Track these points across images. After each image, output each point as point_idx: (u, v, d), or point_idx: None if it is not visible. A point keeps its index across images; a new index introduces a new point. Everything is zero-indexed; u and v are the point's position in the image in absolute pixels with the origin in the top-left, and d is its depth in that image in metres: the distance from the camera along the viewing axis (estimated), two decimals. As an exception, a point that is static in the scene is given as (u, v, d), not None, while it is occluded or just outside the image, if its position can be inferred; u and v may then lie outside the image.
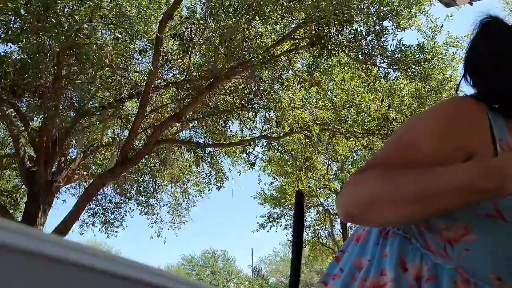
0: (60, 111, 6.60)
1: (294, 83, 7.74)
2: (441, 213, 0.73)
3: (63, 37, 4.77)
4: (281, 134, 8.17)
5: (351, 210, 0.74)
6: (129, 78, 6.94)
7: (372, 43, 7.09)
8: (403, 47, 7.18)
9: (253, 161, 8.74)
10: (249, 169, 8.86)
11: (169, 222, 10.49)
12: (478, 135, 0.77)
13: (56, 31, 4.60)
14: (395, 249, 0.79)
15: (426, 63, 7.33)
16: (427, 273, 0.76)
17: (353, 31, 6.86)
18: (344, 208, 0.76)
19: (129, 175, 9.39)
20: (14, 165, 8.91)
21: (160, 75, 7.30)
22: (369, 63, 7.34)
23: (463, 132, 0.77)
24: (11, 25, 4.92)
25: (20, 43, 4.76)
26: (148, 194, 9.97)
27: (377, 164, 0.77)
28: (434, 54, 7.54)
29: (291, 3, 6.42)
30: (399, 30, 7.18)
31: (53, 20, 4.61)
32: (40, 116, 6.99)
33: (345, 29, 6.69)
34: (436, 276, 0.76)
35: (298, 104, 7.70)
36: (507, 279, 0.76)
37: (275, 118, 8.01)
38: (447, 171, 0.68)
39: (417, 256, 0.78)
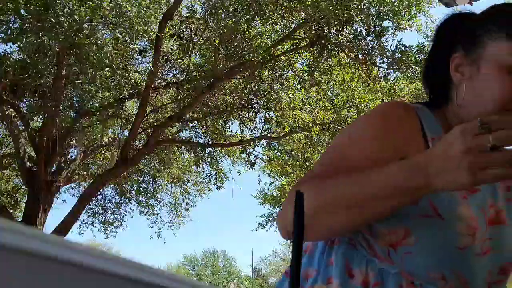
0: (60, 111, 6.60)
1: (294, 83, 7.74)
2: (381, 215, 0.71)
3: (63, 37, 4.77)
4: (281, 134, 8.17)
5: (291, 229, 0.72)
6: (129, 78, 6.94)
7: (372, 43, 7.09)
8: (403, 48, 7.18)
9: (253, 161, 8.74)
10: (249, 169, 8.86)
11: (169, 222, 10.49)
12: (410, 137, 0.78)
13: (56, 31, 4.60)
14: (340, 257, 0.79)
15: (426, 63, 7.32)
16: (373, 279, 0.76)
17: (353, 31, 6.86)
18: (284, 228, 0.75)
19: (129, 175, 9.39)
20: (14, 165, 8.91)
21: (160, 75, 7.31)
22: (369, 63, 7.34)
23: (397, 134, 0.76)
24: (11, 25, 4.92)
25: (19, 43, 4.77)
26: (148, 194, 9.96)
27: (313, 178, 0.75)
28: (434, 54, 7.53)
29: (291, 3, 6.42)
30: (399, 31, 7.19)
31: (52, 20, 4.61)
32: (40, 116, 6.99)
33: (345, 29, 6.69)
34: (382, 282, 0.76)
35: (298, 105, 7.70)
36: (450, 278, 0.77)
37: (275, 118, 8.01)
38: (376, 174, 0.67)
39: (363, 263, 0.78)
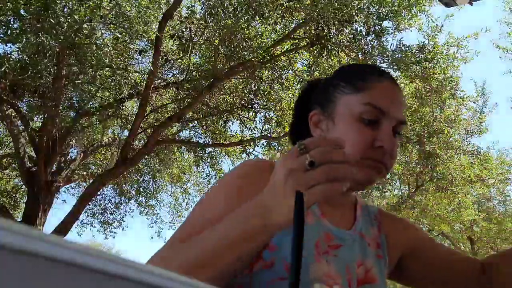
0: (60, 111, 6.60)
1: (294, 83, 7.74)
2: (242, 263, 0.66)
3: (63, 37, 4.77)
4: (281, 134, 8.17)
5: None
6: (129, 78, 6.94)
7: (372, 43, 7.09)
8: (403, 47, 7.18)
9: (253, 161, 8.72)
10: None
11: (169, 222, 10.50)
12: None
13: (55, 31, 4.60)
14: None
15: (427, 63, 7.33)
16: None
17: (353, 31, 6.86)
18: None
19: (129, 175, 9.39)
20: (14, 165, 8.91)
21: (160, 75, 7.30)
22: (369, 63, 7.34)
23: (251, 191, 0.75)
24: (11, 25, 4.92)
25: (19, 44, 4.76)
26: (148, 194, 9.96)
27: (173, 242, 0.73)
28: (435, 54, 7.54)
29: (290, 2, 6.42)
30: (399, 31, 7.18)
31: (52, 20, 4.60)
32: (40, 116, 6.99)
33: (345, 29, 6.69)
34: None
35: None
36: None
37: (275, 118, 8.01)
38: (220, 224, 0.65)
39: None
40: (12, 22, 5.03)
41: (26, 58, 5.09)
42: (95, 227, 9.88)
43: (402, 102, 0.85)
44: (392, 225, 0.95)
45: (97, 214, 9.85)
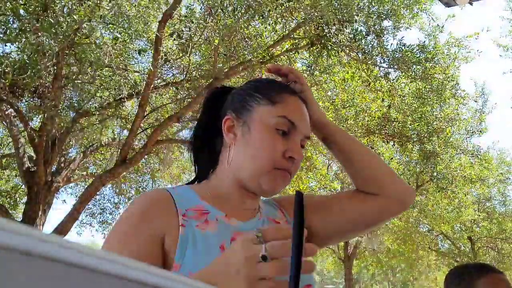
0: (59, 111, 6.60)
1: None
2: None
3: (62, 37, 4.77)
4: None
5: None
6: (129, 78, 6.94)
7: (372, 42, 7.09)
8: (403, 47, 7.18)
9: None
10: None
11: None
12: (163, 217, 0.81)
13: (54, 30, 4.59)
14: None
15: (427, 62, 7.33)
16: None
17: (353, 31, 6.86)
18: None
19: (128, 175, 9.39)
20: (14, 165, 8.91)
21: (159, 75, 7.30)
22: (369, 62, 7.34)
23: (149, 220, 0.80)
24: (10, 24, 4.91)
25: (18, 43, 4.76)
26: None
27: None
28: (435, 53, 7.54)
29: (290, 2, 6.42)
30: (399, 31, 7.18)
31: (51, 20, 4.60)
32: (40, 116, 6.99)
33: (345, 29, 6.69)
34: None
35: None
36: None
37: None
38: None
39: None
40: (11, 22, 5.03)
41: (26, 58, 5.09)
42: (94, 226, 9.89)
43: (308, 119, 0.93)
44: (287, 203, 1.01)
45: (96, 214, 9.86)
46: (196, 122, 1.01)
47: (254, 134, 0.87)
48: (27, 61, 5.11)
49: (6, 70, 5.08)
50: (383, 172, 0.99)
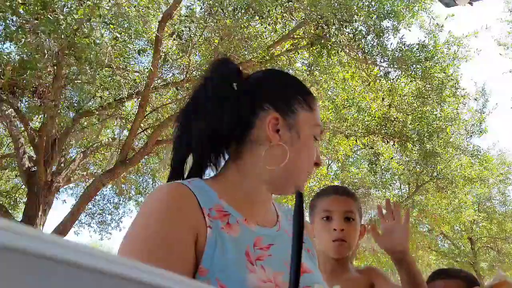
0: (59, 111, 6.60)
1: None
2: None
3: (62, 37, 4.77)
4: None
5: None
6: (129, 78, 6.94)
7: (372, 42, 7.09)
8: (403, 46, 7.18)
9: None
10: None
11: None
12: (194, 214, 0.75)
13: (52, 28, 4.58)
14: None
15: (427, 61, 7.33)
16: None
17: (353, 30, 6.86)
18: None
19: (128, 176, 9.38)
20: (14, 165, 8.91)
21: (159, 75, 7.30)
22: (369, 62, 7.34)
23: (184, 215, 0.74)
24: (8, 22, 4.91)
25: (15, 41, 4.76)
26: (148, 195, 9.95)
27: None
28: (435, 52, 7.55)
29: (290, 2, 6.42)
30: (398, 32, 7.18)
31: (49, 17, 4.59)
32: (40, 116, 6.99)
33: (345, 29, 6.69)
34: None
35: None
36: None
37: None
38: None
39: None
40: (10, 20, 5.02)
41: (26, 58, 5.09)
42: (92, 227, 9.89)
43: None
44: (308, 231, 0.99)
45: (96, 215, 9.86)
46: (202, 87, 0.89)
47: (303, 141, 0.86)
48: (25, 60, 5.10)
49: (5, 68, 5.08)
50: None
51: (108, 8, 5.20)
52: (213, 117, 0.84)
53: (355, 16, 6.54)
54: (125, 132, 7.94)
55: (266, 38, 7.34)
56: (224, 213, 0.79)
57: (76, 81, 6.56)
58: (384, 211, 1.30)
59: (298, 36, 7.41)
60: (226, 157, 0.90)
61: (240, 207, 0.83)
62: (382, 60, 7.44)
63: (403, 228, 1.27)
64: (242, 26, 6.57)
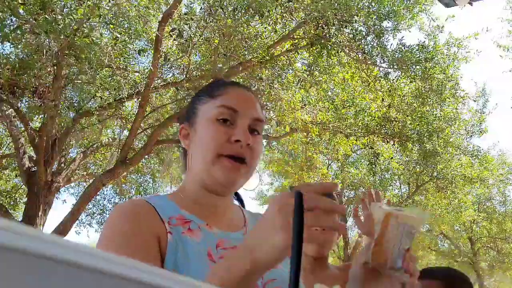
0: (60, 111, 6.60)
1: (294, 83, 7.74)
2: None
3: (62, 37, 4.76)
4: (281, 134, 8.17)
5: None
6: (129, 78, 6.94)
7: (372, 42, 7.09)
8: (403, 47, 7.18)
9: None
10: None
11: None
12: (153, 222, 0.80)
13: (50, 28, 4.58)
14: None
15: (427, 62, 7.33)
16: None
17: (353, 31, 6.86)
18: None
19: (128, 176, 9.38)
20: (13, 165, 8.91)
21: (159, 75, 7.30)
22: (369, 62, 7.34)
23: (143, 222, 0.78)
24: (7, 22, 4.90)
25: (14, 40, 4.75)
26: (148, 195, 9.96)
27: None
28: (435, 53, 7.55)
29: (290, 2, 6.41)
30: (399, 32, 7.18)
31: (47, 17, 4.59)
32: (40, 116, 6.99)
33: (345, 29, 6.69)
34: None
35: (298, 104, 7.70)
36: None
37: (275, 118, 8.01)
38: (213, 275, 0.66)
39: None
40: (10, 21, 5.02)
41: (25, 58, 5.09)
42: (92, 227, 9.89)
43: (255, 103, 0.91)
44: None
45: (96, 214, 9.86)
46: None
47: (199, 132, 0.88)
48: (23, 59, 5.10)
49: (6, 70, 5.08)
50: None
51: (108, 8, 5.19)
52: None
53: (355, 16, 6.54)
54: (125, 132, 7.94)
55: (266, 38, 7.34)
56: (185, 221, 0.84)
57: (76, 81, 6.56)
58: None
59: (298, 36, 7.41)
60: None
61: (202, 214, 0.87)
62: (382, 61, 7.44)
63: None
64: (243, 26, 6.57)
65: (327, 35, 6.59)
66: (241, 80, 7.72)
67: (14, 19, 5.02)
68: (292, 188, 0.59)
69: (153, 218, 0.80)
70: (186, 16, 6.34)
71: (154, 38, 6.23)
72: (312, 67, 7.67)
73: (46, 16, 4.59)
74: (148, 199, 0.86)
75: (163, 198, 0.89)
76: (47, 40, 4.81)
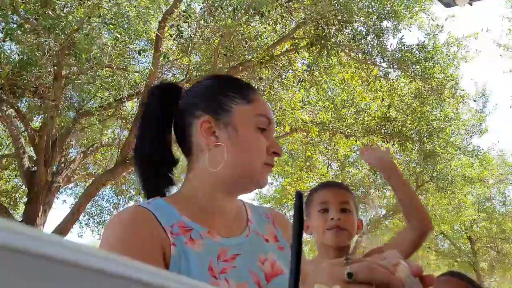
0: (60, 111, 6.60)
1: (294, 83, 7.74)
2: None
3: (61, 35, 4.77)
4: (281, 134, 8.17)
5: None
6: (129, 78, 6.94)
7: (372, 42, 7.09)
8: (403, 47, 7.18)
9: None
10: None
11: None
12: (156, 233, 0.76)
13: (52, 24, 4.58)
14: None
15: (427, 62, 7.33)
16: None
17: (353, 31, 6.86)
18: None
19: (128, 176, 9.38)
20: (13, 165, 8.91)
21: (159, 75, 7.30)
22: (369, 62, 7.34)
23: (146, 237, 0.76)
24: (9, 19, 4.90)
25: (15, 39, 4.75)
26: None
27: None
28: (435, 53, 7.55)
29: (290, 2, 6.42)
30: (399, 32, 7.18)
31: (49, 12, 4.59)
32: (40, 116, 6.99)
33: (344, 29, 6.69)
34: None
35: (298, 104, 7.70)
36: None
37: (275, 118, 8.01)
38: None
39: None
40: (11, 20, 5.02)
41: (26, 57, 5.09)
42: (90, 226, 9.89)
43: None
44: (282, 223, 0.99)
45: (94, 215, 9.86)
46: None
47: (242, 135, 0.85)
48: (26, 59, 5.10)
49: (5, 68, 5.07)
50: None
51: (108, 8, 5.20)
52: (155, 139, 0.89)
53: (355, 16, 6.54)
54: (125, 132, 7.94)
55: (266, 38, 7.34)
56: (186, 229, 0.80)
57: (76, 81, 6.56)
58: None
59: (298, 36, 7.41)
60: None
61: (202, 220, 0.83)
62: (382, 61, 7.44)
63: (383, 150, 1.65)
64: (242, 26, 6.57)
65: (327, 35, 6.59)
66: (241, 80, 7.72)
67: (15, 17, 5.03)
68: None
69: (157, 231, 0.77)
70: (184, 13, 6.32)
71: (154, 38, 6.24)
72: (312, 67, 7.67)
73: (49, 12, 4.59)
74: (147, 204, 0.82)
75: (160, 201, 0.85)
76: (48, 39, 4.81)
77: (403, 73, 7.45)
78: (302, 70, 7.84)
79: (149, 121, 0.90)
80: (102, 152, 9.37)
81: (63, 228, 6.73)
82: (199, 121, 0.86)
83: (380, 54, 7.25)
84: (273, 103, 7.65)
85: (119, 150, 7.21)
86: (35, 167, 6.77)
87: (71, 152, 8.60)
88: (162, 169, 0.91)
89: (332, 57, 6.90)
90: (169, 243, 0.76)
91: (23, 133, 7.16)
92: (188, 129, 0.88)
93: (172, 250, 0.75)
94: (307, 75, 7.64)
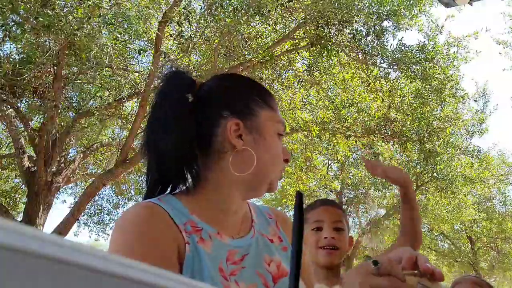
0: (59, 111, 6.60)
1: (294, 83, 7.75)
2: None
3: (60, 34, 4.77)
4: (281, 134, 8.15)
5: None
6: (129, 78, 6.94)
7: (372, 43, 7.09)
8: (403, 47, 7.19)
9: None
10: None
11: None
12: (170, 233, 0.75)
13: (49, 25, 4.58)
14: None
15: (427, 62, 7.34)
16: None
17: (353, 31, 6.86)
18: None
19: (128, 176, 9.38)
20: (13, 165, 8.91)
21: (159, 75, 7.29)
22: (369, 63, 7.34)
23: (162, 236, 0.74)
24: (8, 20, 4.90)
25: (15, 38, 4.75)
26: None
27: None
28: (435, 53, 7.55)
29: (290, 2, 6.42)
30: (399, 31, 7.18)
31: (49, 12, 4.59)
32: (40, 116, 6.99)
33: (345, 29, 6.69)
34: None
35: (298, 104, 7.70)
36: None
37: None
38: None
39: None
40: (11, 20, 5.02)
41: (25, 57, 5.09)
42: (89, 226, 9.90)
43: None
44: (283, 222, 0.99)
45: (94, 215, 9.86)
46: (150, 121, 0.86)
47: (268, 140, 0.86)
48: (26, 59, 5.10)
49: (7, 70, 5.07)
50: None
51: (108, 8, 5.19)
52: (174, 134, 0.81)
53: (355, 16, 6.54)
54: (125, 132, 7.94)
55: (266, 38, 7.34)
56: (197, 228, 0.79)
57: (76, 81, 6.56)
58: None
59: (298, 36, 7.41)
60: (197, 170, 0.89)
61: (212, 220, 0.82)
62: (382, 61, 7.44)
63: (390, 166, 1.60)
64: (242, 26, 6.56)
65: (327, 35, 6.59)
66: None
67: (14, 17, 5.02)
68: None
69: (171, 229, 0.75)
70: (184, 10, 6.32)
71: (154, 38, 6.24)
72: (312, 67, 7.67)
73: (48, 11, 4.58)
74: (158, 201, 0.79)
75: (172, 198, 0.82)
76: (48, 39, 4.81)
77: (403, 74, 7.45)
78: (302, 70, 7.84)
79: (166, 109, 0.83)
80: (102, 152, 9.37)
81: (63, 228, 6.73)
82: (227, 122, 0.83)
83: (380, 55, 7.25)
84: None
85: (119, 150, 7.21)
86: (35, 167, 6.77)
87: (71, 152, 8.61)
88: (181, 166, 0.83)
89: (332, 57, 6.90)
90: (184, 242, 0.75)
91: (23, 133, 7.17)
92: (211, 127, 0.84)
93: (187, 249, 0.74)
94: (307, 75, 7.64)
